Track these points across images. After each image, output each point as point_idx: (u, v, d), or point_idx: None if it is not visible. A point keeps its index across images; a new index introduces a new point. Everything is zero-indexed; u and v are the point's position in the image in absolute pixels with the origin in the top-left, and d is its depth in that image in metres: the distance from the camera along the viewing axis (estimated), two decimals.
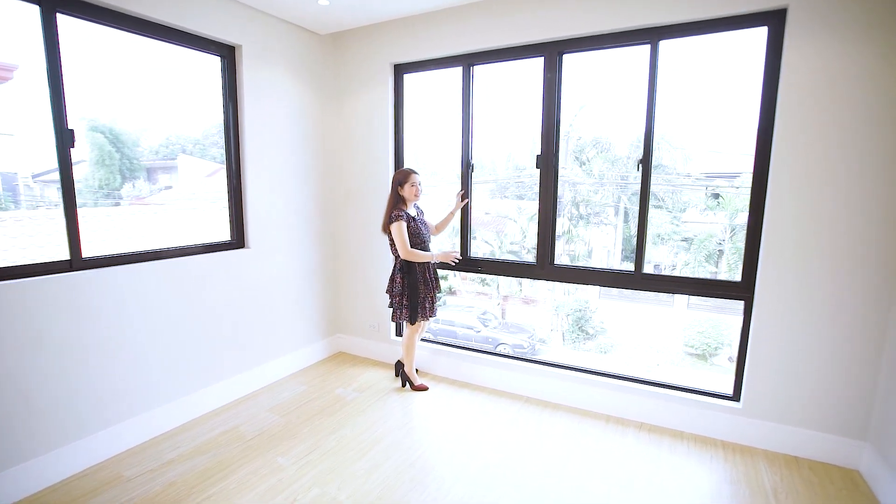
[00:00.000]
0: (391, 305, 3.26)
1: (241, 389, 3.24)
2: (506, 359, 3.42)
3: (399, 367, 3.47)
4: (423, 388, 3.38)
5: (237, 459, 2.51)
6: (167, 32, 2.70)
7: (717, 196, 8.34)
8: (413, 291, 3.16)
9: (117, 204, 3.16)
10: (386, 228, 3.14)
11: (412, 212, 3.19)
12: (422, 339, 3.81)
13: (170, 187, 3.54)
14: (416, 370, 3.60)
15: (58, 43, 2.22)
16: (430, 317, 3.28)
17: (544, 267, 3.23)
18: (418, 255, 3.09)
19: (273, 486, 2.30)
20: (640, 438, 2.76)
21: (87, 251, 2.46)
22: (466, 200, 3.40)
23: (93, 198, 3.04)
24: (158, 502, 2.18)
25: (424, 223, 3.26)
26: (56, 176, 2.57)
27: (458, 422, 2.95)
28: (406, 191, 3.11)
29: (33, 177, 2.73)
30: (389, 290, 3.24)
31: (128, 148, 3.11)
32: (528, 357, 3.44)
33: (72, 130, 2.29)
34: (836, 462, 2.50)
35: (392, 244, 3.16)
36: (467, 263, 3.50)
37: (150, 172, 3.42)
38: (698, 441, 2.74)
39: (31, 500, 2.19)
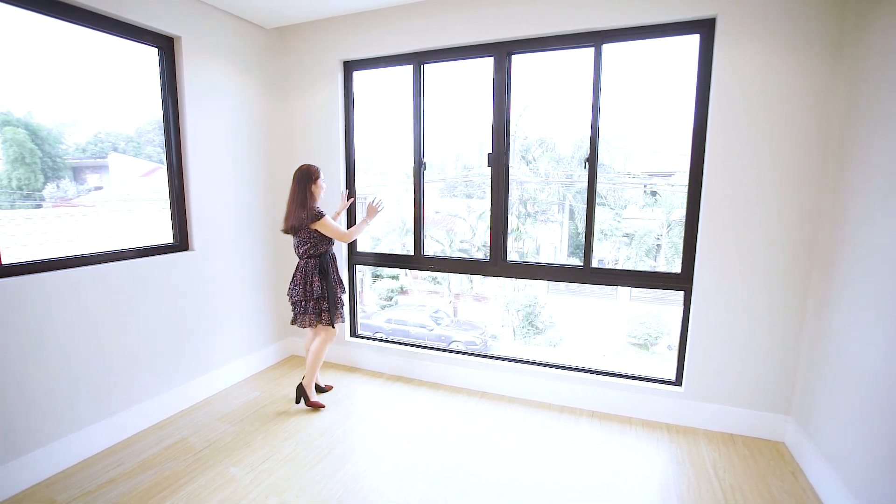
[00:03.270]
0: (301, 310, 2.98)
1: (190, 399, 3.07)
2: (462, 355, 3.45)
3: (300, 392, 3.09)
4: (320, 406, 3.06)
5: (186, 473, 2.38)
6: (95, 19, 2.51)
7: (654, 194, 8.82)
8: (332, 292, 2.99)
9: (39, 206, 2.90)
10: (305, 227, 2.87)
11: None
12: (377, 339, 3.78)
13: (100, 188, 3.29)
14: (322, 385, 3.34)
15: None
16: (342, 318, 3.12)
17: (497, 263, 3.30)
18: (358, 231, 3.06)
19: (227, 497, 2.20)
20: (593, 426, 2.88)
21: (5, 257, 2.26)
22: (352, 200, 3.42)
23: (9, 199, 2.78)
24: None
25: None
26: None
27: (417, 421, 2.95)
28: (317, 188, 2.94)
29: None
30: (302, 296, 2.96)
31: (49, 145, 2.86)
32: (484, 353, 3.50)
33: None
34: (765, 436, 2.73)
35: (301, 244, 2.95)
36: (422, 262, 3.51)
37: (77, 172, 3.16)
38: (645, 425, 2.89)
39: None
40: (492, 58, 3.08)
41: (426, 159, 3.41)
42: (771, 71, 2.47)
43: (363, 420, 2.95)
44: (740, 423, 2.77)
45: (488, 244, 3.32)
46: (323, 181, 3.01)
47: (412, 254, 3.53)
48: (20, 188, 2.78)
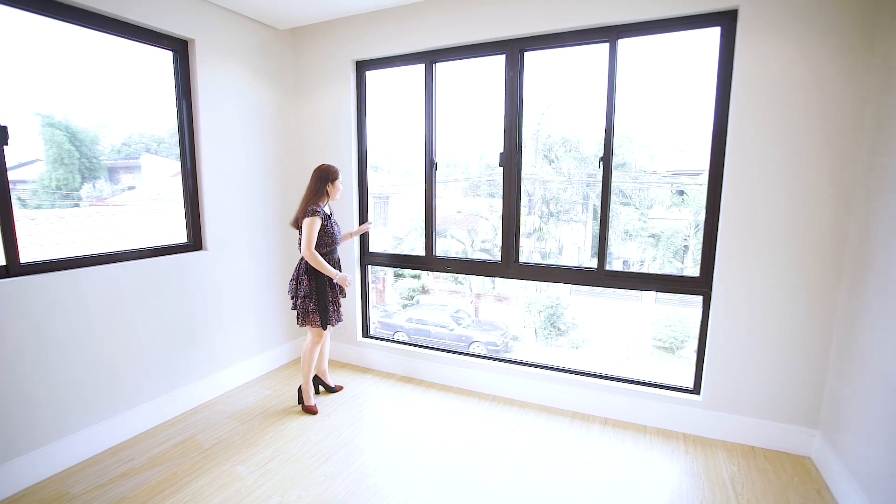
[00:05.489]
0: (294, 308, 2.97)
1: (200, 397, 3.12)
2: (474, 358, 3.40)
3: (299, 395, 3.12)
4: (314, 411, 3.02)
5: (193, 470, 2.42)
6: (112, 24, 2.57)
7: (681, 193, 8.55)
8: (321, 294, 2.91)
9: (76, 205, 3.00)
10: (299, 222, 2.87)
11: (328, 210, 3.00)
12: (389, 340, 3.77)
13: (133, 188, 3.38)
14: (332, 386, 3.33)
15: None
16: (338, 321, 3.07)
17: (509, 265, 3.23)
18: (319, 263, 2.82)
19: (231, 496, 2.22)
20: (605, 434, 2.79)
21: (40, 255, 2.37)
22: (369, 228, 3.44)
23: (50, 199, 2.88)
24: None
25: (337, 224, 3.06)
26: (12, 176, 2.42)
27: (426, 423, 2.92)
28: (334, 188, 2.91)
29: None
30: (294, 293, 2.96)
31: (86, 146, 2.96)
32: (495, 356, 3.44)
33: (5, 127, 2.15)
34: (789, 450, 2.58)
35: (298, 240, 2.92)
36: (434, 262, 3.48)
37: (112, 172, 3.26)
38: (661, 434, 2.78)
39: None
40: (503, 55, 3.02)
41: (446, 159, 3.38)
42: (796, 65, 2.33)
43: (371, 421, 2.94)
44: (762, 435, 2.63)
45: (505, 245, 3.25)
46: (341, 183, 2.99)
47: (423, 255, 3.50)
48: (59, 188, 2.88)
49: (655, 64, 6.82)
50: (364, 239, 3.73)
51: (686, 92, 7.19)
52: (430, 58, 3.22)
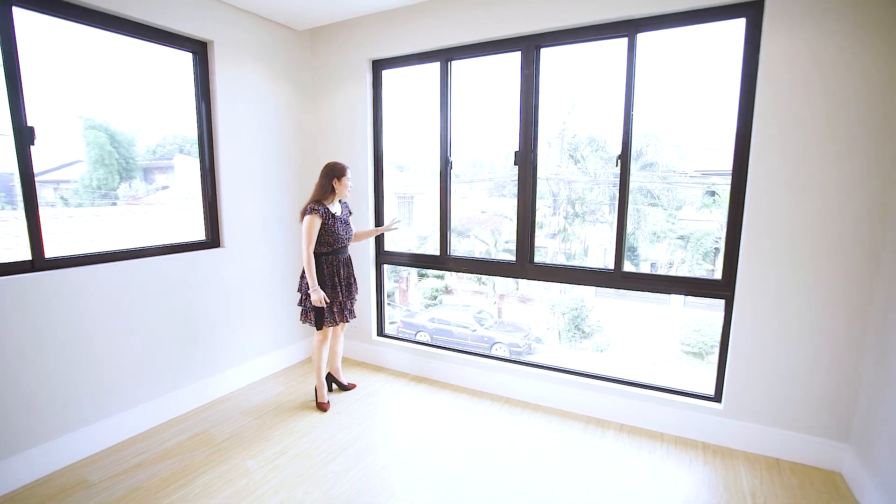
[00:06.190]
0: (300, 304, 2.96)
1: (216, 392, 3.19)
2: (487, 359, 3.36)
3: (330, 381, 3.28)
4: (325, 408, 3.05)
5: (205, 463, 2.46)
6: (132, 27, 2.64)
7: (712, 193, 8.25)
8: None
9: (114, 204, 3.11)
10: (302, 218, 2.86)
11: (336, 209, 2.94)
12: (403, 339, 3.76)
13: (166, 187, 3.49)
14: (345, 384, 3.33)
15: (14, 37, 2.17)
16: (342, 321, 3.02)
17: (524, 266, 3.18)
18: (308, 266, 2.78)
19: (238, 490, 2.25)
20: (620, 440, 2.70)
21: (74, 251, 2.47)
22: (398, 228, 3.33)
23: (90, 198, 3.00)
24: None
25: (347, 223, 3.00)
26: (52, 176, 2.60)
27: (437, 423, 2.89)
28: (341, 185, 2.88)
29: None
30: (299, 288, 2.96)
31: (124, 148, 3.07)
32: (509, 358, 3.39)
33: (31, 128, 2.24)
34: (818, 464, 2.44)
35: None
36: (448, 262, 3.45)
37: (147, 172, 3.38)
38: (679, 443, 2.67)
39: None
40: (519, 52, 2.97)
41: (464, 159, 3.43)
42: (827, 58, 2.20)
43: (382, 420, 2.93)
44: (788, 447, 2.49)
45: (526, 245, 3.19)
46: (349, 180, 2.96)
47: (437, 254, 3.47)
48: (99, 187, 3.00)
49: (684, 60, 6.59)
50: (381, 238, 3.73)
51: (717, 89, 6.93)
52: (444, 56, 3.20)
